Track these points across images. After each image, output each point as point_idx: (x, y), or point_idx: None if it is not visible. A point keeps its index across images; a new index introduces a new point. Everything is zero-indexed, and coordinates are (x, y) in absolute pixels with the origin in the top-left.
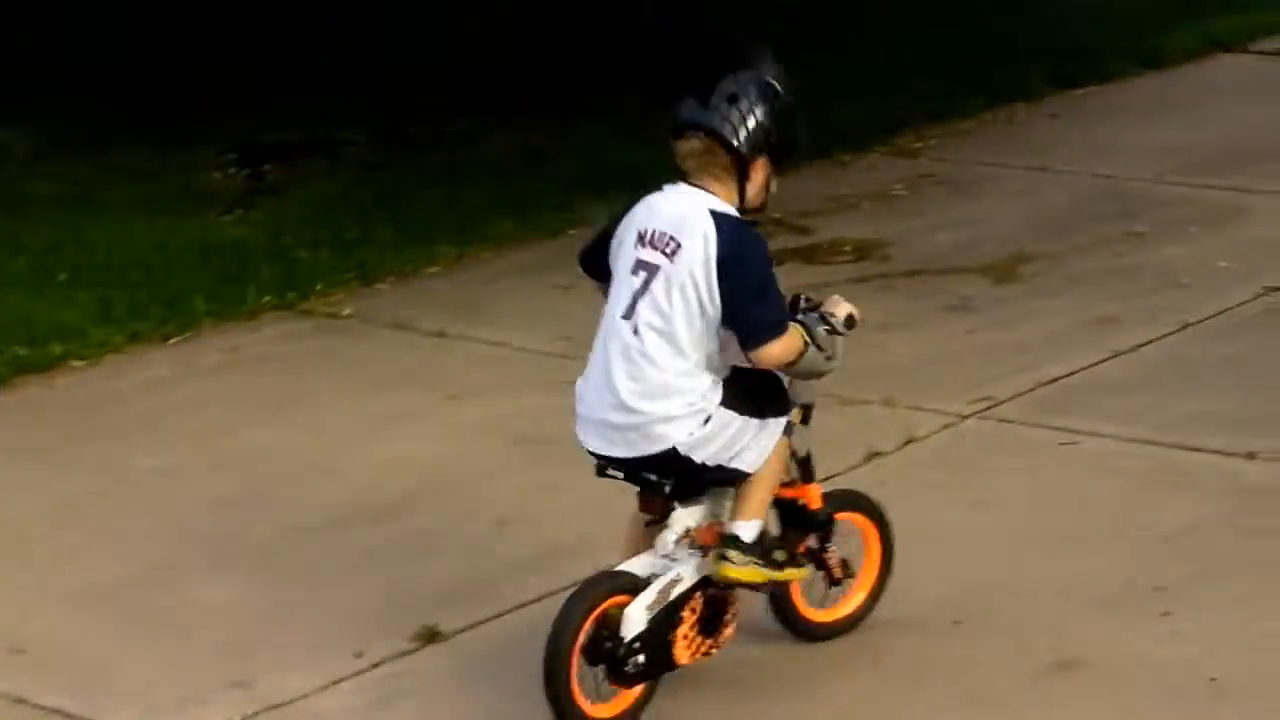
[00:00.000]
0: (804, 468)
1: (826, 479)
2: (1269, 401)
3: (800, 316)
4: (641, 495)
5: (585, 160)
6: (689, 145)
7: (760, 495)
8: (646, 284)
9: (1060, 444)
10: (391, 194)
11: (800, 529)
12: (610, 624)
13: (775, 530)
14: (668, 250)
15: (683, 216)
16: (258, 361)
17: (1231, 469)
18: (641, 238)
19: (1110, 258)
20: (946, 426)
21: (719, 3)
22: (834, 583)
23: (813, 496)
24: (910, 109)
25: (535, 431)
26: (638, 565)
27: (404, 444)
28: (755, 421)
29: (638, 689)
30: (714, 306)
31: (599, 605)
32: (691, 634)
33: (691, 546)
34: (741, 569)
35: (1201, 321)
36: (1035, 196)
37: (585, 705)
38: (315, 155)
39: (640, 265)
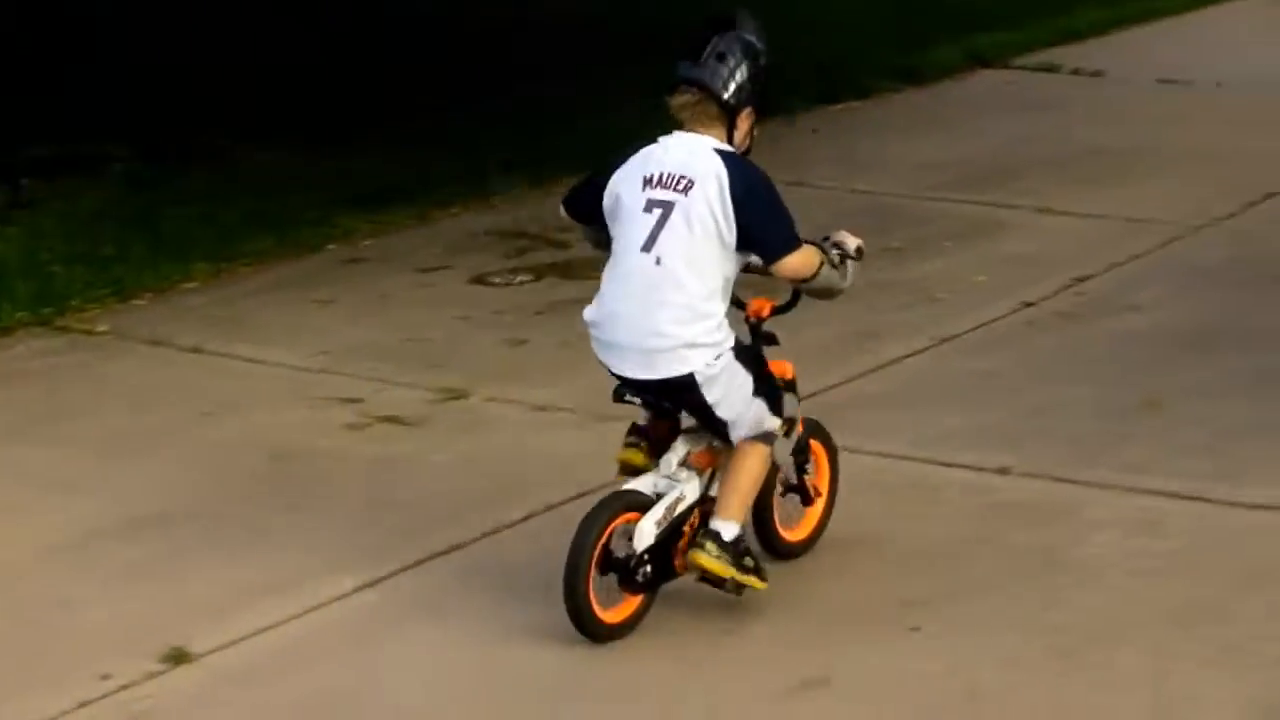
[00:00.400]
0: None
1: (579, 495)
2: (1023, 417)
3: (818, 241)
4: (652, 419)
5: (344, 177)
6: (683, 99)
7: (742, 498)
8: (665, 218)
9: None
10: (150, 210)
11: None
12: (622, 537)
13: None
14: (679, 187)
15: (690, 157)
16: (12, 378)
17: (984, 483)
18: (648, 181)
19: (869, 273)
20: None
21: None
22: (807, 503)
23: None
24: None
25: (291, 447)
26: (643, 484)
27: (159, 460)
28: (750, 391)
29: (640, 597)
30: (730, 232)
31: (614, 520)
32: (687, 545)
33: (690, 468)
34: (713, 561)
35: (958, 336)
36: (793, 212)
37: (600, 612)
38: (78, 171)
39: (653, 204)
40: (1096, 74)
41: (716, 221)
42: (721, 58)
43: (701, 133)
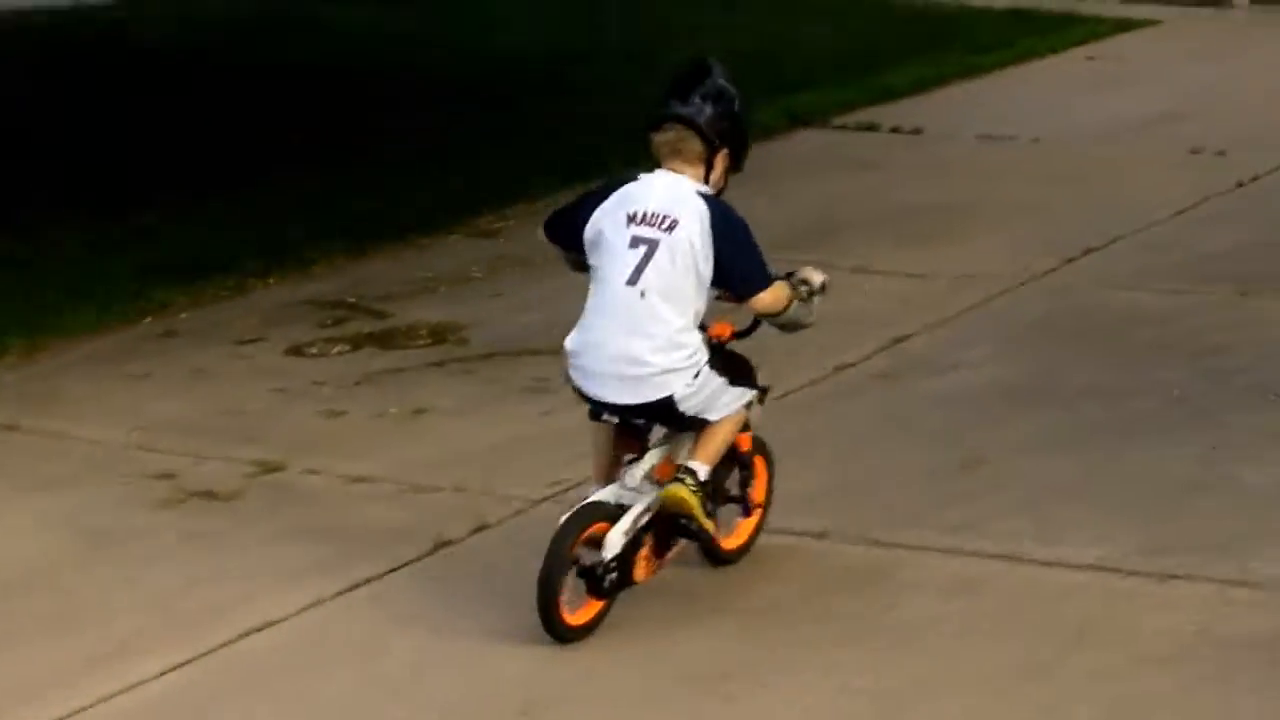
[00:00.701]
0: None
1: (395, 569)
2: (842, 480)
3: (786, 277)
4: (619, 437)
5: (160, 249)
6: (667, 135)
7: (717, 445)
8: (650, 255)
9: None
10: None
11: (729, 464)
12: (589, 546)
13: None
14: (664, 226)
15: (674, 197)
16: None
17: (804, 548)
18: (632, 218)
19: None
20: (519, 512)
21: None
22: (746, 514)
23: (744, 441)
24: (487, 190)
25: (104, 524)
26: (608, 494)
27: None
28: (727, 385)
29: (602, 602)
30: (708, 269)
31: (585, 531)
32: (649, 555)
33: (652, 482)
34: (690, 494)
35: (776, 400)
36: None
37: (566, 616)
38: None
39: (639, 241)
40: (916, 131)
41: (696, 259)
42: (706, 98)
43: (680, 169)
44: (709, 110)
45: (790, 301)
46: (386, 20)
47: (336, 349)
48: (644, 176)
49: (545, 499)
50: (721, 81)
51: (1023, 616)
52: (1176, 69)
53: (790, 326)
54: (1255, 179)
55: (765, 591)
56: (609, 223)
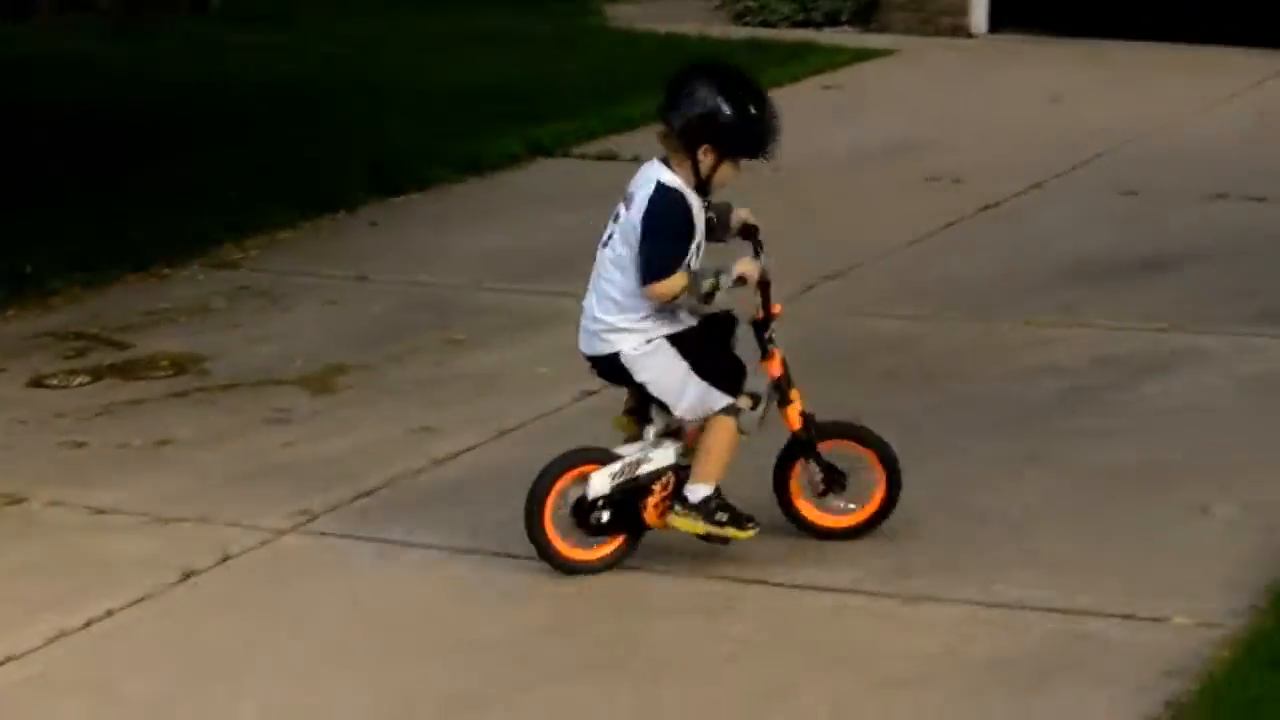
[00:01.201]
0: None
1: (139, 600)
2: None
3: (695, 272)
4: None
5: None
6: (659, 131)
7: (708, 466)
8: (615, 223)
9: (379, 558)
10: None
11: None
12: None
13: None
14: (627, 203)
15: (642, 181)
16: None
17: (552, 574)
18: (625, 194)
19: (429, 366)
20: (265, 543)
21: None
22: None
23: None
24: (228, 219)
25: None
26: (626, 449)
27: None
28: (694, 375)
29: (615, 542)
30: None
31: (568, 471)
32: (662, 504)
33: (671, 438)
34: (683, 520)
35: (520, 427)
36: (354, 306)
37: (562, 546)
38: None
39: (616, 212)
40: None
41: (634, 236)
42: (685, 102)
43: (671, 160)
44: (687, 113)
45: (681, 292)
46: (145, 61)
47: (78, 380)
48: (648, 162)
49: (291, 530)
50: (701, 88)
51: (774, 640)
52: (914, 98)
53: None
54: (990, 207)
55: (516, 619)
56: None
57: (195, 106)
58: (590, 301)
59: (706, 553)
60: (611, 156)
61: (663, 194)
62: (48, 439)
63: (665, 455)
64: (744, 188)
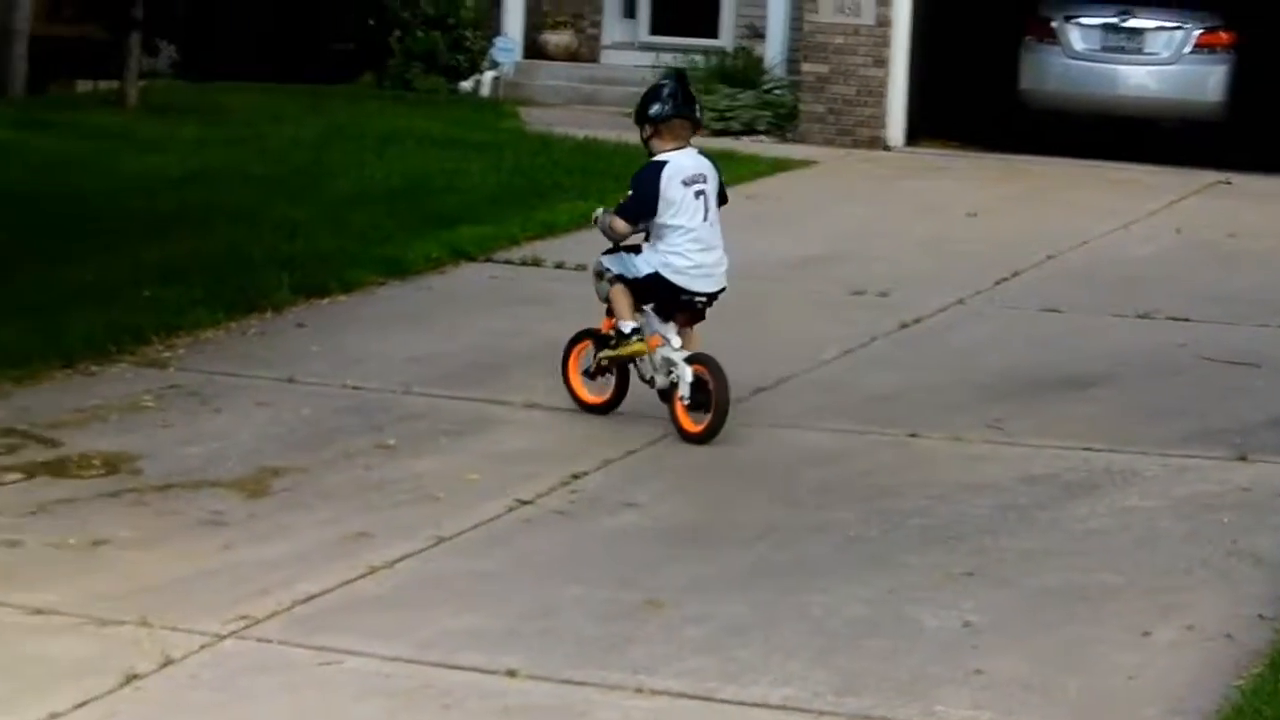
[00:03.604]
0: None
1: (82, 704)
2: (527, 618)
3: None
4: (682, 312)
5: None
6: (680, 124)
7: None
8: (703, 198)
9: (320, 664)
10: None
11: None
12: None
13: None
14: (704, 182)
15: (704, 166)
16: None
17: (493, 686)
18: (689, 181)
19: (362, 471)
20: (205, 647)
21: None
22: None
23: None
24: (154, 318)
25: None
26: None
27: None
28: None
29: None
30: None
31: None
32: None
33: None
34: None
35: (456, 536)
36: (284, 408)
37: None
38: None
39: (701, 191)
40: (580, 268)
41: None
42: (691, 101)
43: (686, 144)
44: (696, 107)
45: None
46: (66, 147)
47: (9, 477)
48: (676, 153)
49: (231, 635)
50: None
51: None
52: (836, 209)
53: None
54: (918, 320)
55: None
56: (669, 186)
57: (105, 200)
58: (714, 255)
59: (639, 669)
60: (536, 262)
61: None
62: None
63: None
64: None
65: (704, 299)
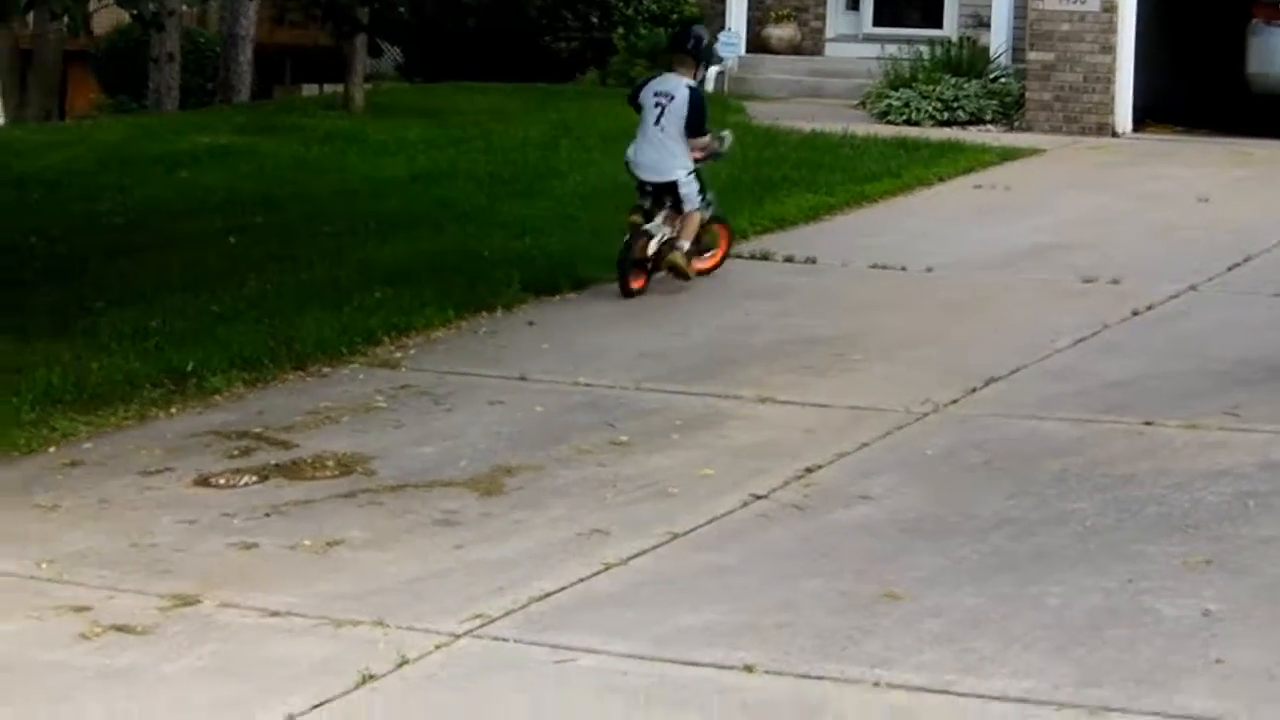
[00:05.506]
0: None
1: (319, 705)
2: (763, 612)
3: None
4: (647, 205)
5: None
6: (676, 56)
7: (691, 229)
8: (663, 109)
9: (556, 662)
10: None
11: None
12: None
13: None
14: (668, 99)
15: (674, 85)
16: None
17: (730, 682)
18: (657, 94)
19: (595, 468)
20: (440, 646)
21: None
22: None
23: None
24: (385, 319)
25: (18, 659)
26: (651, 227)
27: None
28: (698, 187)
29: (646, 277)
30: (684, 121)
31: (638, 242)
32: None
33: (665, 224)
34: (680, 260)
35: (691, 531)
36: (516, 406)
37: (632, 282)
38: None
39: (658, 103)
40: (810, 261)
41: (680, 114)
42: (694, 38)
43: (681, 72)
44: (691, 42)
45: (710, 143)
46: (295, 151)
47: (244, 480)
48: (662, 74)
49: (466, 634)
50: (696, 31)
51: None
52: (1065, 197)
53: (715, 156)
54: (1150, 307)
55: None
56: (644, 96)
57: (335, 202)
58: (656, 153)
59: (877, 662)
60: (766, 256)
61: (696, 90)
62: (217, 540)
63: (665, 232)
64: (901, 289)
65: (650, 186)
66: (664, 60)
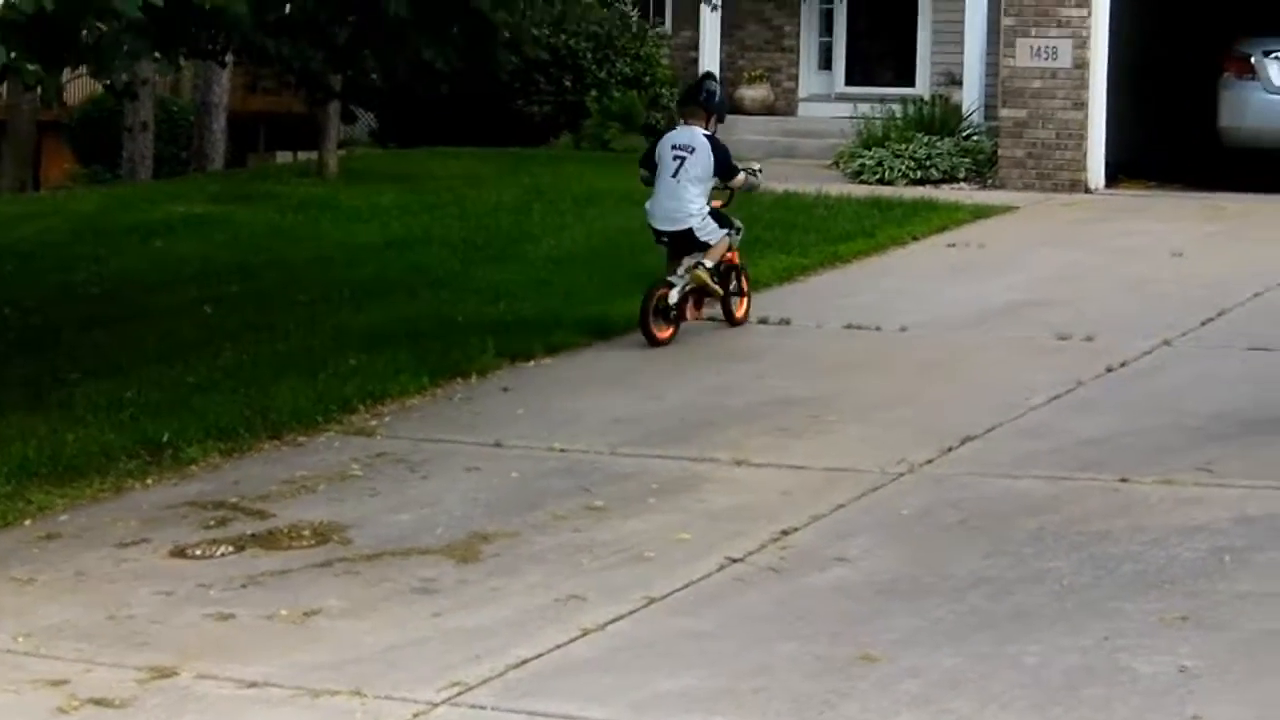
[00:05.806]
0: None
1: None
2: (741, 677)
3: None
4: (671, 256)
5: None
6: (690, 109)
7: (718, 252)
8: (682, 161)
9: None
10: None
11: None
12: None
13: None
14: (689, 151)
15: (691, 136)
16: None
17: None
18: (675, 146)
19: (571, 533)
20: (418, 715)
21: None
22: (741, 296)
23: (733, 257)
24: (360, 387)
25: None
26: (674, 278)
27: None
28: (718, 225)
29: (672, 328)
30: (710, 171)
31: (658, 290)
32: (692, 307)
33: (687, 273)
34: (702, 272)
35: (667, 596)
36: (492, 473)
37: (656, 331)
38: None
39: (677, 155)
40: (784, 322)
41: (704, 166)
42: (705, 92)
43: (695, 124)
44: (704, 95)
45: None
46: (270, 219)
47: (220, 550)
48: (677, 128)
49: (444, 702)
50: (708, 85)
51: None
52: (1038, 254)
53: (752, 189)
54: (1124, 364)
55: None
56: (662, 150)
57: (309, 270)
58: (672, 202)
59: (863, 718)
60: None
61: (715, 139)
62: (194, 611)
63: (688, 281)
64: (875, 349)
65: (665, 236)
66: (682, 114)
